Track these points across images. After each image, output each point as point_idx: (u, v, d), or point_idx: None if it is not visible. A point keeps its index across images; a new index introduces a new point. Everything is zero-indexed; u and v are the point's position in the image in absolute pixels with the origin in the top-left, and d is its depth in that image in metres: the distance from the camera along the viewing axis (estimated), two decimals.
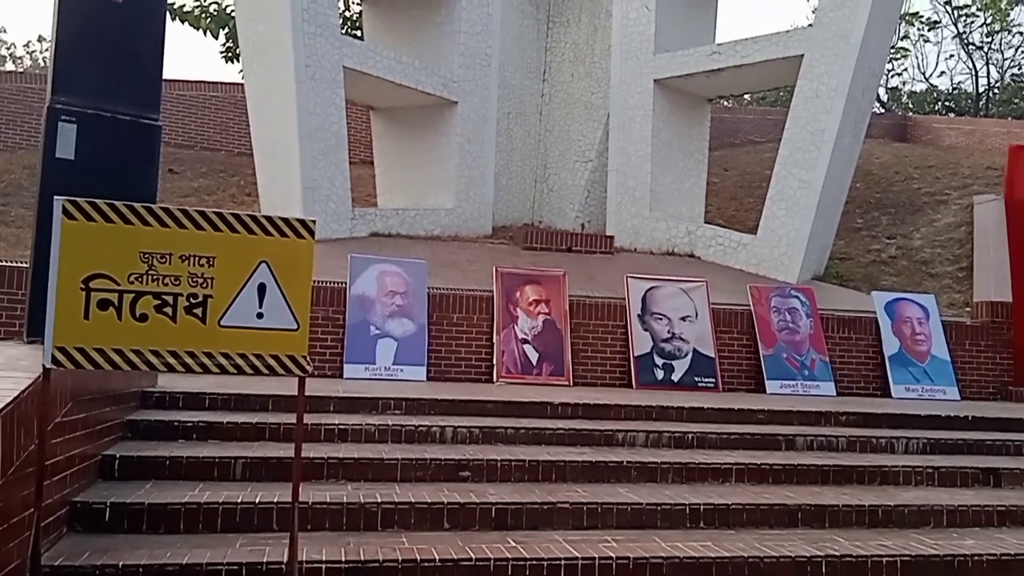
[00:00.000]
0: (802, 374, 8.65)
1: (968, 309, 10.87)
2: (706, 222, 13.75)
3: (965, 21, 29.79)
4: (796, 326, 8.90)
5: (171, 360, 3.21)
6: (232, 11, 14.84)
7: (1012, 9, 28.72)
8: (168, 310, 3.21)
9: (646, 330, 8.45)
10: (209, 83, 17.40)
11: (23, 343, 5.08)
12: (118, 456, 4.18)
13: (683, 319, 8.58)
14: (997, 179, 14.42)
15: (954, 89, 31.66)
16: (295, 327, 3.39)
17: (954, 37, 30.50)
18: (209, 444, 4.65)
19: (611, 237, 13.18)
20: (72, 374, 3.46)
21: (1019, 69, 30.06)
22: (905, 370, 8.97)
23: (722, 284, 10.05)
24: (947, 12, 29.97)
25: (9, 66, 34.53)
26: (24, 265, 6.55)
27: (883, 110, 28.00)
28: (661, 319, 8.53)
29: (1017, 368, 9.50)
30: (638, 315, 8.49)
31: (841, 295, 11.16)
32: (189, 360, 3.24)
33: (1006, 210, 10.87)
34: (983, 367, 9.50)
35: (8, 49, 35.94)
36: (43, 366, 3.02)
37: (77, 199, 3.11)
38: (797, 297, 9.13)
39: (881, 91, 28.14)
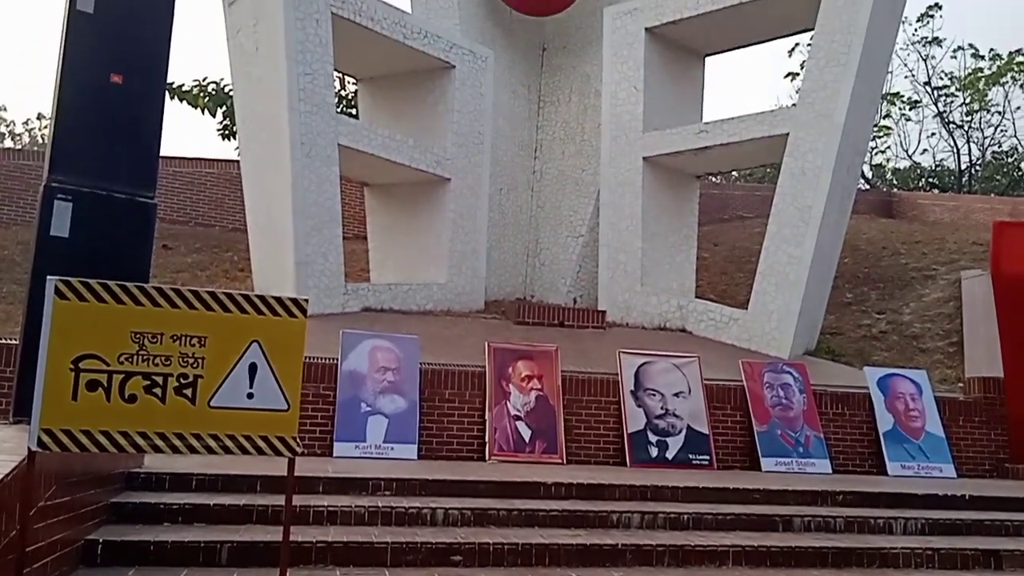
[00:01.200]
0: (797, 451, 8.57)
1: (960, 384, 10.85)
2: (697, 297, 13.83)
3: (945, 101, 30.69)
4: (789, 402, 8.85)
5: (159, 442, 3.17)
6: (230, 90, 15.15)
7: (990, 90, 29.61)
8: (158, 391, 3.19)
9: (639, 406, 8.39)
10: (205, 160, 17.67)
11: (8, 423, 5.00)
12: (101, 541, 4.07)
13: (676, 395, 8.53)
14: (983, 254, 14.61)
15: (937, 166, 32.36)
16: (286, 407, 3.36)
17: (935, 116, 31.36)
18: (195, 528, 4.54)
19: (603, 312, 13.22)
20: (57, 455, 3.39)
21: (999, 147, 30.81)
22: (900, 447, 8.90)
23: (714, 359, 10.04)
24: (927, 92, 30.90)
25: (8, 143, 35.01)
26: (14, 342, 6.49)
27: (868, 186, 28.52)
28: (654, 395, 8.48)
29: (1012, 444, 9.43)
30: (631, 391, 8.44)
31: (833, 370, 11.15)
32: (177, 441, 3.20)
33: (993, 285, 10.95)
34: (978, 443, 9.43)
35: (7, 126, 36.50)
36: (28, 449, 2.97)
37: (70, 279, 3.11)
38: (790, 372, 9.10)
39: (865, 168, 28.73)
